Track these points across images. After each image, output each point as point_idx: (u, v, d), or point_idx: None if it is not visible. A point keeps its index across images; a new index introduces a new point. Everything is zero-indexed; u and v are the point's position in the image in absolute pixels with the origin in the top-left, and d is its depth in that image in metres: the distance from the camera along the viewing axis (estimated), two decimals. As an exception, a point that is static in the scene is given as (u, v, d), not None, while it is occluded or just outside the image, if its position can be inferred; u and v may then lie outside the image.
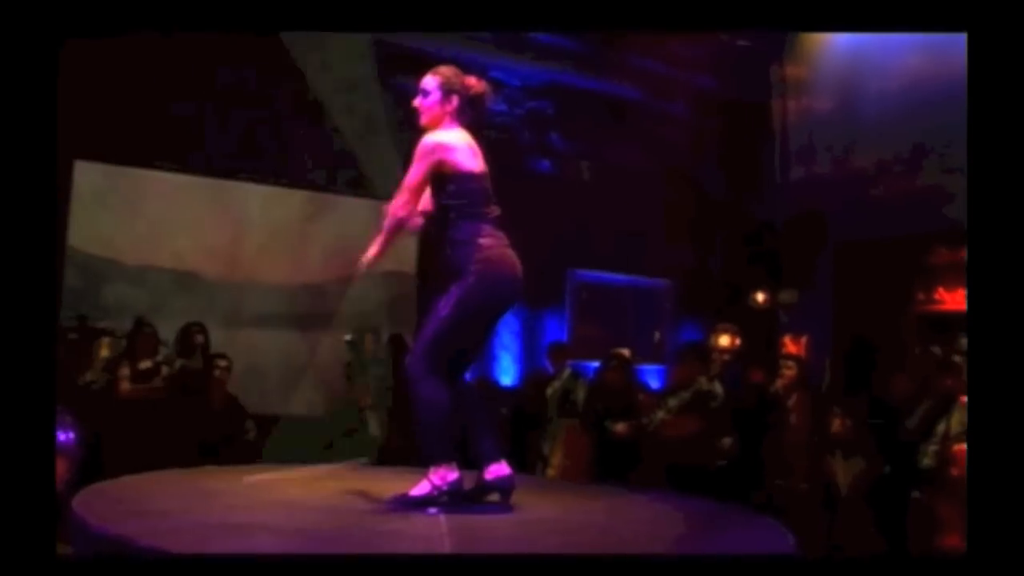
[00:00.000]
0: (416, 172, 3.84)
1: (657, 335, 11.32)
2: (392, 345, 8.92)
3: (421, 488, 3.72)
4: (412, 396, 3.79)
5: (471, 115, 3.97)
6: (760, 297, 10.85)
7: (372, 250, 3.95)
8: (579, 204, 10.44)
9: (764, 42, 11.04)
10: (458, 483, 3.75)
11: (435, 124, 3.92)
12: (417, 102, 3.96)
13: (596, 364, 8.85)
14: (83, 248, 9.13)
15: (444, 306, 3.83)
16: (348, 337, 8.85)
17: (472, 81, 3.97)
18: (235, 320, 9.28)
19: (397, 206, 3.86)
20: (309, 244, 10.20)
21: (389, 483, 4.13)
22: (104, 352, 7.53)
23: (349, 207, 10.42)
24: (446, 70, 3.97)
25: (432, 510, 3.60)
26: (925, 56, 9.40)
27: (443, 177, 3.86)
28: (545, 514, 3.80)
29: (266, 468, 4.69)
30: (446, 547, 2.94)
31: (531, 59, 10.81)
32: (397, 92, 10.66)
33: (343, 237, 10.33)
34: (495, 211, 3.93)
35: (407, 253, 10.63)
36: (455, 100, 3.92)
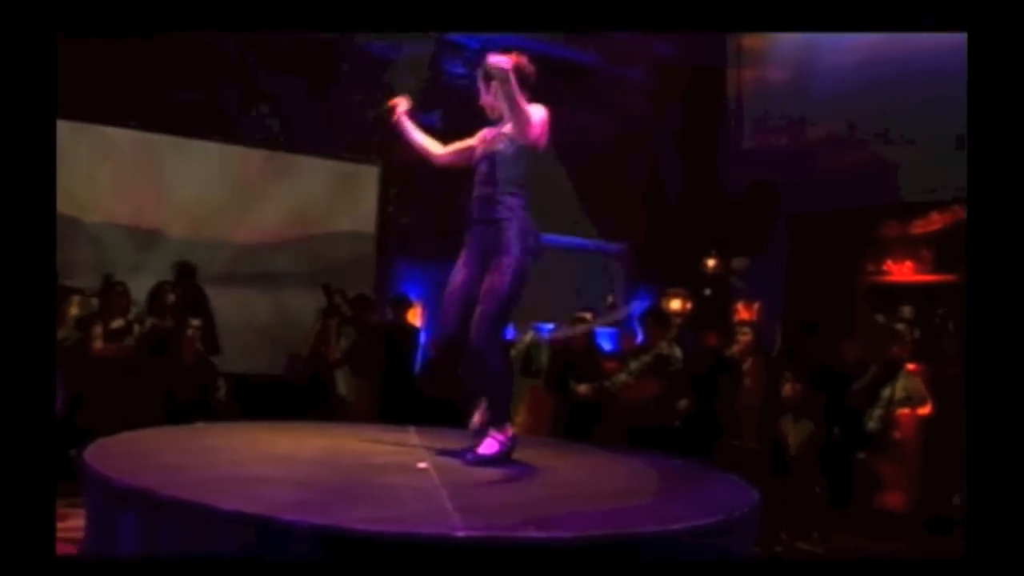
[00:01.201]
0: (527, 115, 4.04)
1: (610, 298, 11.54)
2: (357, 304, 9.03)
3: (490, 447, 4.06)
4: (479, 367, 4.08)
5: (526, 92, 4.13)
6: (711, 263, 11.11)
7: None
8: (536, 167, 10.58)
9: (722, 10, 11.21)
10: (515, 440, 4.14)
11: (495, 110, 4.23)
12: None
13: (551, 326, 9.09)
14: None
15: (502, 281, 4.04)
16: (324, 282, 9.01)
17: (524, 60, 4.18)
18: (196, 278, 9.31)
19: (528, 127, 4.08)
20: (269, 203, 10.26)
21: (370, 439, 4.37)
22: (74, 310, 7.54)
23: (309, 167, 10.50)
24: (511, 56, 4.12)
25: (421, 464, 3.81)
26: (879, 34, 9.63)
27: (524, 151, 4.17)
28: (526, 469, 4.03)
29: (253, 426, 4.86)
30: (443, 497, 3.13)
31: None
32: (355, 52, 10.76)
33: (303, 196, 10.44)
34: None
35: (367, 214, 10.76)
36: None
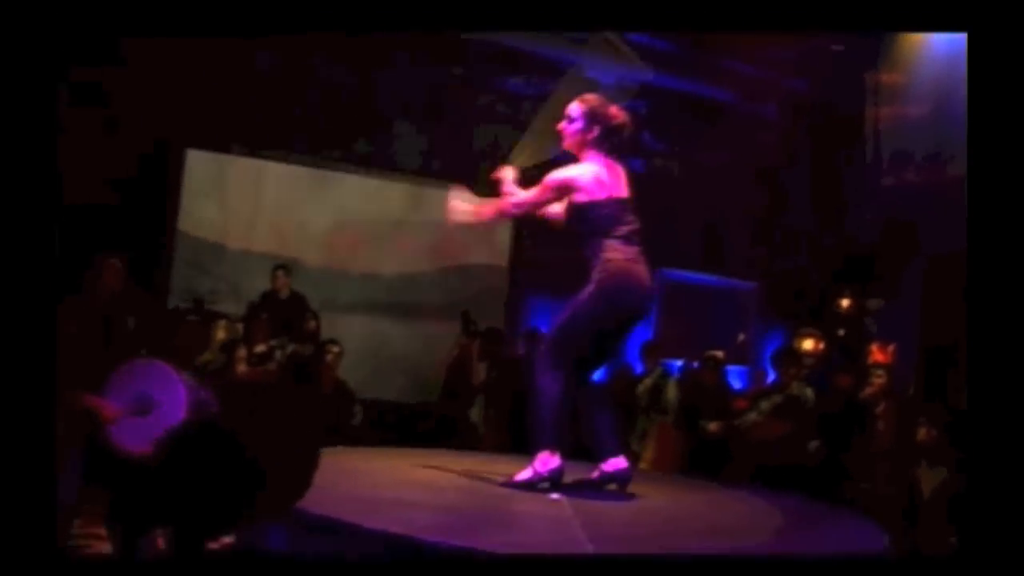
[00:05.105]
0: (536, 197, 4.27)
1: (741, 337, 11.45)
2: (488, 337, 9.14)
3: (524, 473, 4.08)
4: (531, 386, 4.16)
5: (611, 143, 4.26)
6: (845, 303, 10.94)
7: (476, 210, 4.57)
8: (669, 203, 10.61)
9: (858, 47, 11.08)
10: (558, 471, 4.05)
11: (576, 149, 4.27)
12: (562, 126, 4.27)
13: (680, 363, 9.11)
14: (192, 233, 9.57)
15: (565, 311, 4.21)
16: (464, 309, 9.21)
17: (614, 111, 4.26)
18: (332, 306, 9.61)
19: (508, 207, 4.37)
20: (406, 234, 10.52)
21: (504, 470, 4.48)
22: (221, 335, 7.86)
23: (445, 200, 10.73)
24: (592, 98, 4.26)
25: (554, 495, 3.91)
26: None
27: (568, 208, 4.26)
28: (652, 503, 4.12)
29: (389, 452, 5.06)
30: (575, 527, 3.24)
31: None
32: (492, 89, 11.02)
33: (438, 229, 10.67)
34: (624, 229, 4.20)
35: (500, 246, 10.94)
36: (596, 129, 4.21)
